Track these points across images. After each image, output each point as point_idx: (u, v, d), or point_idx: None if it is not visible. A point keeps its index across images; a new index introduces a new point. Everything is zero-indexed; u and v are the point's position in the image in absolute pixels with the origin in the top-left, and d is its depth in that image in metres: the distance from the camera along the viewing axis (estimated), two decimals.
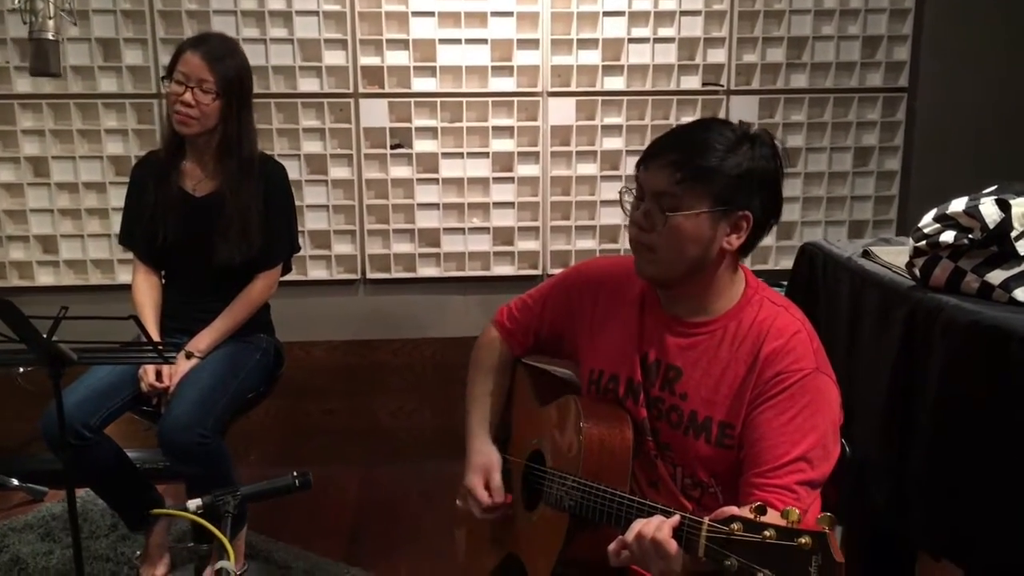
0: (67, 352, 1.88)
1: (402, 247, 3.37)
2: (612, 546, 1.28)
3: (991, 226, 1.58)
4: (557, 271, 3.35)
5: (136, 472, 2.44)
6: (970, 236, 1.61)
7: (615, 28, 3.26)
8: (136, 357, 2.17)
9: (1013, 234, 1.58)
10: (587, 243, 3.43)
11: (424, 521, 3.11)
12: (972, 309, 1.56)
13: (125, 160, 3.21)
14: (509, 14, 3.22)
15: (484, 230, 3.38)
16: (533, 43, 3.26)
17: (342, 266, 3.37)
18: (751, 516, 1.08)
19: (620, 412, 1.54)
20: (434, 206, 3.34)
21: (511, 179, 3.35)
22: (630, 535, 1.23)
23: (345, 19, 3.18)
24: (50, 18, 2.09)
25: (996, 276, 1.60)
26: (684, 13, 3.28)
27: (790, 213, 3.46)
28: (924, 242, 1.67)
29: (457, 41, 3.23)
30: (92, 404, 2.25)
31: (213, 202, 2.42)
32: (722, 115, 3.36)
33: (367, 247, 3.35)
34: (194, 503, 1.42)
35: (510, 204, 3.37)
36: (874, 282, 1.85)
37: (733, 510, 1.15)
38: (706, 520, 1.15)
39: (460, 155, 3.31)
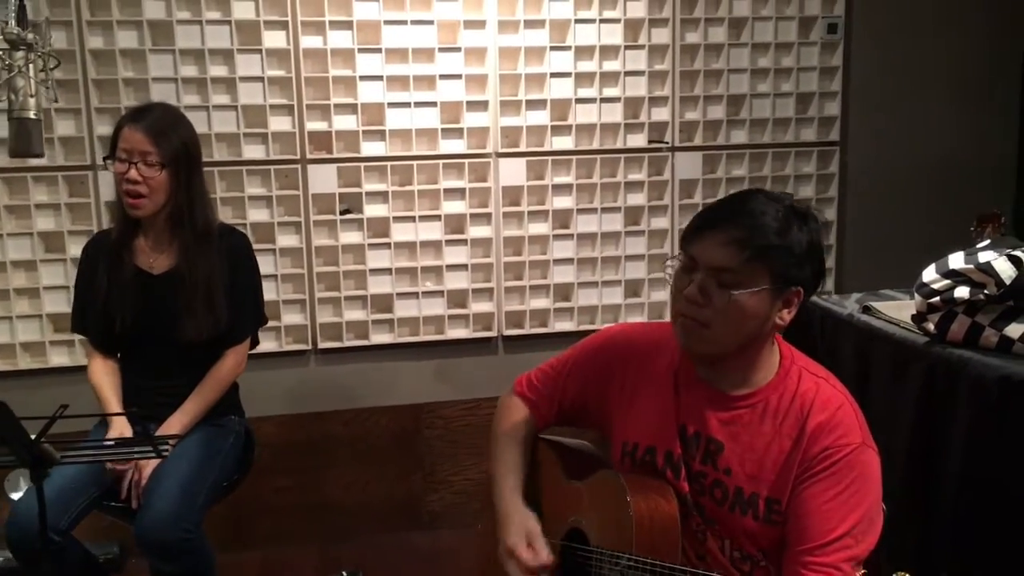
0: (52, 452, 1.77)
1: (354, 314, 3.32)
2: None
3: (1007, 282, 1.68)
4: (512, 332, 3.41)
5: (104, 573, 2.29)
6: (985, 292, 1.70)
7: (562, 89, 3.34)
8: (126, 453, 2.04)
9: None
10: (541, 302, 3.45)
11: None
12: (999, 364, 1.64)
13: (57, 236, 3.08)
14: (458, 76, 3.25)
15: (438, 293, 3.37)
16: (482, 105, 3.29)
17: (291, 336, 3.29)
18: None
19: (662, 484, 1.56)
20: (386, 271, 3.31)
21: (463, 241, 3.35)
22: None
23: (291, 84, 3.15)
24: (31, 96, 1.99)
25: (1014, 330, 1.69)
26: (628, 73, 3.38)
27: None
28: (937, 298, 1.75)
29: (406, 104, 3.23)
30: (60, 505, 2.13)
31: (172, 278, 2.35)
32: (667, 172, 3.46)
33: (318, 316, 3.29)
34: None
35: (463, 266, 3.37)
36: (883, 337, 1.93)
37: None
38: None
39: (412, 218, 3.30)
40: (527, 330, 3.46)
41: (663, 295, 3.55)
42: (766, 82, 3.50)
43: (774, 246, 1.45)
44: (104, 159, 2.35)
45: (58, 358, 3.13)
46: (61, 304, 3.10)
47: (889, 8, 3.56)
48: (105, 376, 2.39)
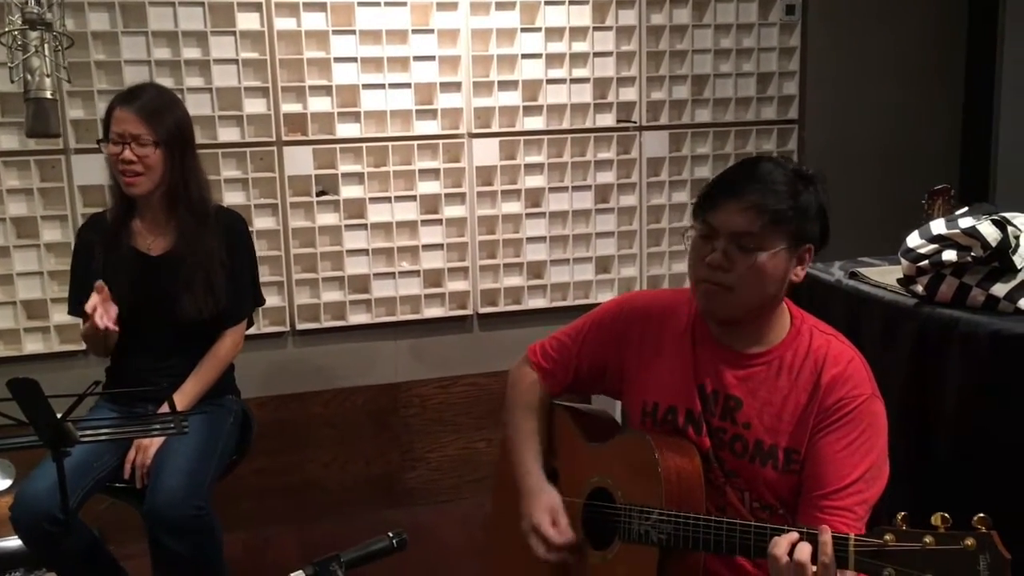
0: (73, 431, 1.79)
1: (331, 295, 3.36)
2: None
3: (993, 244, 1.81)
4: (487, 310, 3.48)
5: (111, 556, 2.31)
6: (972, 254, 1.84)
7: (533, 70, 3.41)
8: (144, 431, 2.06)
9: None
10: (514, 280, 3.54)
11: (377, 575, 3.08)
12: (988, 320, 1.78)
13: (29, 221, 3.06)
14: (431, 58, 3.31)
15: (414, 273, 3.43)
16: (455, 86, 3.35)
17: (269, 318, 3.32)
18: (902, 525, 1.21)
19: (686, 442, 1.65)
20: (363, 252, 3.36)
21: (438, 221, 3.42)
22: (779, 559, 1.32)
23: (265, 67, 3.17)
24: (47, 76, 1.98)
25: (999, 289, 1.84)
26: (597, 55, 3.47)
27: None
28: (926, 261, 1.89)
29: (380, 86, 3.28)
30: (67, 486, 2.12)
31: (171, 259, 2.37)
32: (635, 151, 3.57)
33: (295, 297, 3.32)
34: (297, 574, 1.40)
35: (439, 246, 3.44)
36: (872, 301, 2.06)
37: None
38: (852, 535, 1.26)
39: (387, 199, 3.35)
40: (501, 308, 3.54)
41: (632, 271, 3.66)
42: (728, 62, 3.63)
43: (790, 208, 1.55)
44: (97, 142, 2.35)
45: (32, 345, 3.11)
46: (34, 291, 3.08)
47: None
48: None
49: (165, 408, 2.28)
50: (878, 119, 3.83)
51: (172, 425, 1.88)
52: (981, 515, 1.19)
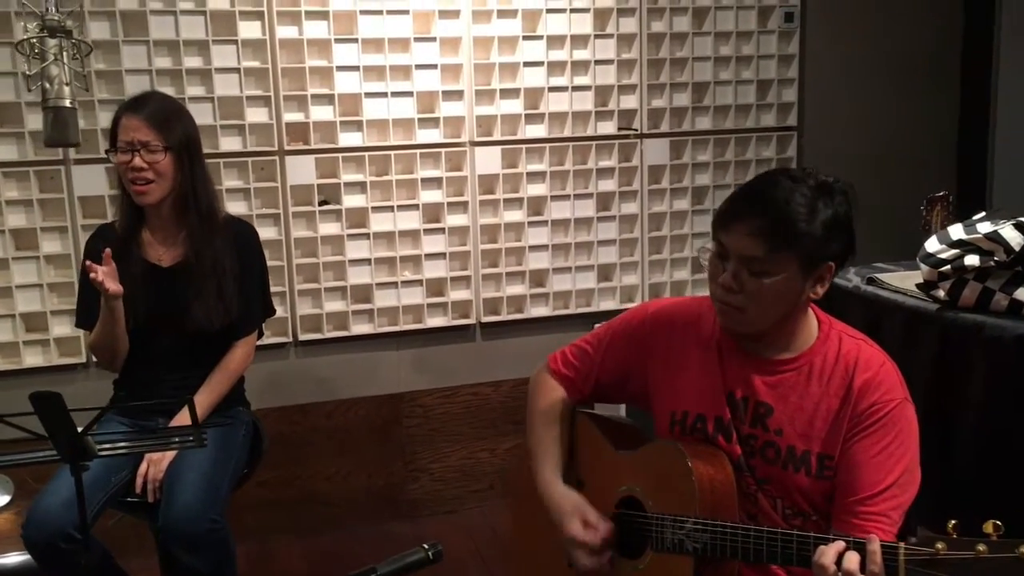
0: (92, 446, 1.76)
1: (334, 305, 3.35)
2: None
3: (1016, 248, 1.82)
4: (489, 319, 3.47)
5: (124, 573, 2.28)
6: (995, 259, 1.85)
7: (534, 78, 3.41)
8: (164, 444, 2.03)
9: None
10: (517, 288, 3.54)
11: None
12: (1014, 325, 1.79)
13: (29, 233, 3.02)
14: (433, 67, 3.30)
15: (416, 282, 3.42)
16: (457, 94, 3.35)
17: (271, 329, 3.29)
18: (953, 533, 1.20)
19: (716, 450, 1.65)
20: (365, 261, 3.35)
21: (441, 230, 3.41)
22: (827, 569, 1.31)
23: (267, 75, 3.15)
24: (66, 84, 1.95)
25: (1023, 293, 1.84)
26: (598, 62, 3.48)
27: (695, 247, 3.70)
28: (948, 266, 1.89)
29: (383, 94, 3.27)
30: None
31: (183, 269, 2.35)
32: (636, 158, 3.57)
33: (298, 308, 3.29)
34: None
35: (441, 255, 3.43)
36: (893, 306, 2.06)
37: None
38: (902, 544, 1.26)
39: (390, 208, 3.34)
40: (504, 316, 3.54)
41: (634, 279, 3.67)
42: (728, 70, 3.65)
43: (799, 234, 1.51)
44: (105, 152, 2.32)
45: (32, 358, 3.07)
46: (34, 303, 3.05)
47: None
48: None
49: (179, 420, 2.27)
50: (876, 125, 3.86)
51: (191, 438, 1.85)
52: None
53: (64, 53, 1.98)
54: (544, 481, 1.82)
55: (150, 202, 2.28)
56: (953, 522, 1.24)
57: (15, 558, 3.09)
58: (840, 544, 1.36)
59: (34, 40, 1.96)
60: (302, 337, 3.33)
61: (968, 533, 1.24)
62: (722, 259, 1.59)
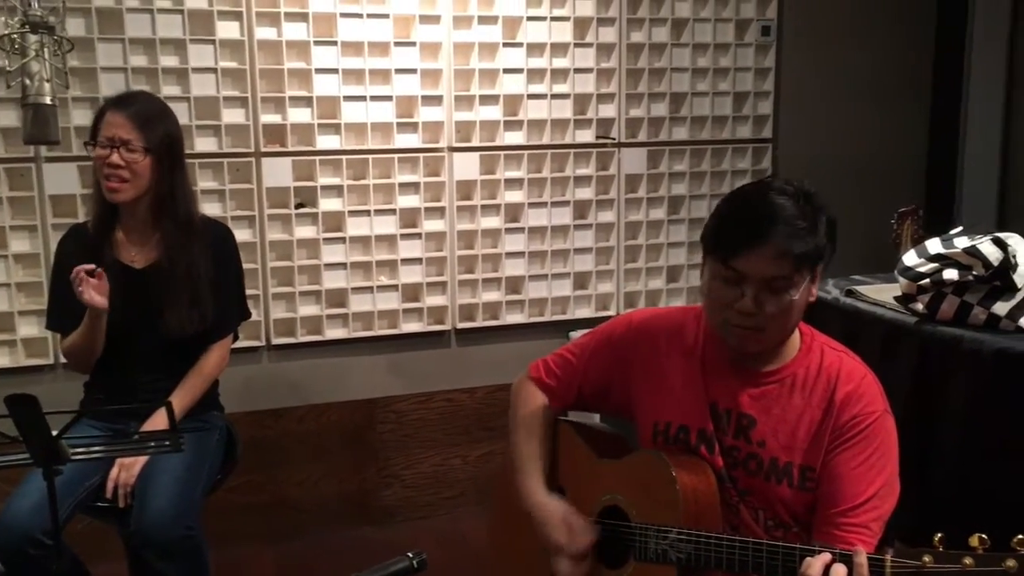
0: (66, 449, 1.73)
1: (308, 309, 3.32)
2: None
3: (995, 263, 1.85)
4: (464, 325, 3.46)
5: None
6: (973, 273, 1.88)
7: (514, 85, 3.41)
8: (139, 449, 2.00)
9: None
10: (493, 295, 3.53)
11: None
12: (992, 339, 1.82)
13: None
14: (413, 71, 3.29)
15: (392, 288, 3.40)
16: (436, 99, 3.34)
17: (244, 332, 3.22)
18: (939, 546, 1.21)
19: (700, 461, 1.66)
20: (341, 266, 3.33)
21: (418, 235, 3.40)
22: None
23: (245, 76, 3.12)
24: (47, 81, 1.91)
25: (1001, 307, 1.88)
26: (577, 71, 3.49)
27: (677, 257, 3.73)
28: (927, 280, 1.92)
29: (361, 98, 3.25)
30: (48, 507, 2.04)
31: (156, 272, 2.32)
32: (613, 167, 3.59)
33: (271, 311, 3.26)
34: None
35: (417, 260, 3.41)
36: (872, 318, 2.08)
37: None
38: (888, 556, 1.27)
39: (366, 213, 3.32)
40: (479, 323, 3.53)
41: (610, 287, 3.68)
42: (705, 81, 3.67)
43: (818, 247, 1.56)
44: (85, 144, 2.28)
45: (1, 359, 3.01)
46: (1, 303, 2.99)
47: (816, 12, 3.80)
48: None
49: (153, 424, 2.23)
50: (849, 139, 3.91)
51: (168, 442, 1.82)
52: (1021, 536, 1.21)
53: (45, 49, 1.95)
54: (528, 489, 1.81)
55: (121, 200, 2.25)
56: (939, 535, 1.25)
57: None
58: (827, 556, 1.37)
59: (15, 35, 1.92)
60: (275, 341, 3.30)
61: (953, 546, 1.25)
62: (732, 284, 1.57)
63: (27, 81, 1.95)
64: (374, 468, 3.52)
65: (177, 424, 2.20)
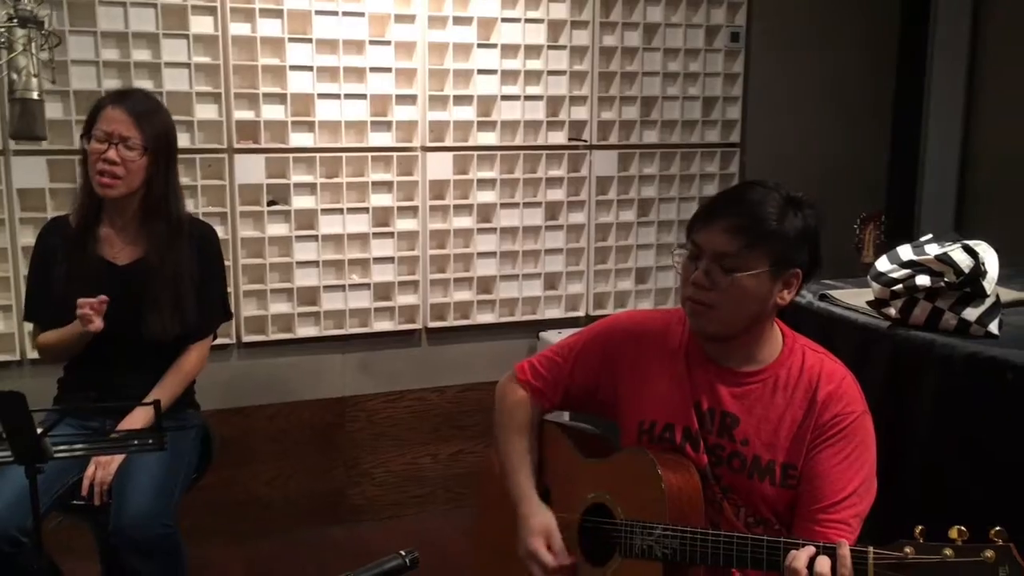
0: (49, 447, 1.72)
1: (279, 307, 3.31)
2: None
3: (966, 270, 1.92)
4: (436, 324, 3.47)
5: None
6: (945, 280, 1.94)
7: (488, 86, 3.43)
8: (122, 447, 1.98)
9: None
10: (464, 295, 3.55)
11: None
12: (963, 343, 1.88)
13: None
14: (387, 70, 3.30)
15: (364, 286, 3.40)
16: (411, 99, 3.35)
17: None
18: (920, 539, 1.26)
19: (684, 459, 1.70)
20: (313, 263, 3.32)
21: (390, 234, 3.40)
22: (799, 573, 1.36)
23: (218, 72, 3.11)
24: (34, 76, 1.89)
25: (971, 313, 1.95)
26: (551, 73, 3.52)
27: (646, 259, 3.78)
28: (900, 285, 1.98)
29: (335, 96, 3.25)
30: (25, 505, 2.02)
31: (139, 270, 2.31)
32: (585, 169, 3.63)
33: (242, 309, 3.25)
34: None
35: (390, 259, 3.42)
36: (845, 323, 2.14)
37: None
38: (871, 548, 1.31)
39: (339, 211, 3.32)
40: (450, 322, 3.54)
41: (579, 287, 3.71)
42: (675, 85, 3.73)
43: (770, 231, 1.61)
44: (80, 137, 2.26)
45: None
46: None
47: (784, 20, 3.88)
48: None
49: (129, 423, 2.22)
50: (814, 144, 3.99)
51: (151, 441, 1.82)
52: (998, 528, 1.26)
53: (33, 44, 1.93)
54: (518, 492, 1.82)
55: (112, 195, 2.23)
56: (920, 528, 1.30)
57: None
58: (811, 549, 1.41)
59: (2, 29, 1.90)
60: (246, 339, 3.28)
61: (933, 539, 1.30)
62: (695, 260, 1.65)
63: (14, 76, 1.93)
64: (343, 467, 3.52)
65: (154, 422, 2.21)
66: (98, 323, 2.12)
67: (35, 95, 1.99)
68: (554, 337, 3.54)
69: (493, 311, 3.60)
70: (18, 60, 1.92)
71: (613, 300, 3.76)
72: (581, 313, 3.73)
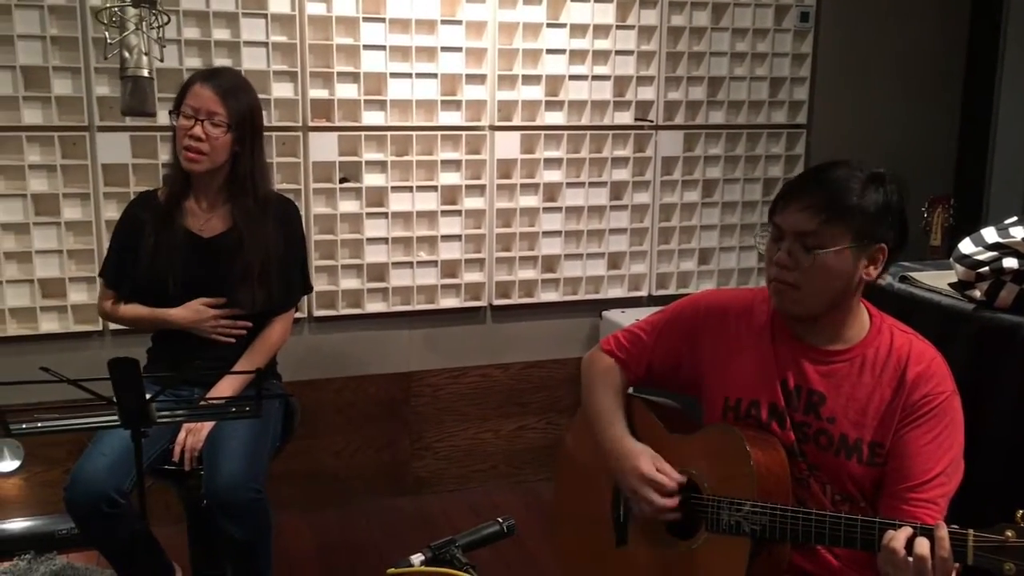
0: (153, 413, 1.80)
1: (349, 283, 3.38)
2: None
3: None
4: (500, 302, 3.53)
5: (156, 540, 2.31)
6: None
7: (556, 65, 3.46)
8: (221, 414, 2.07)
9: None
10: (528, 273, 3.59)
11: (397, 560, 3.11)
12: None
13: (51, 199, 3.03)
14: (458, 49, 3.34)
15: (431, 263, 3.46)
16: (480, 78, 3.39)
17: None
18: (1021, 522, 1.29)
19: (770, 436, 1.73)
20: (382, 240, 3.39)
21: (458, 212, 3.46)
22: (897, 553, 1.39)
23: (295, 51, 3.17)
24: (145, 54, 1.96)
25: None
26: (618, 53, 3.54)
27: (709, 240, 3.79)
28: (986, 268, 1.99)
29: (407, 75, 3.29)
30: (124, 467, 2.14)
31: (224, 243, 2.38)
32: (650, 149, 3.65)
33: (313, 284, 3.30)
34: (417, 558, 1.44)
35: (457, 237, 3.48)
36: (928, 305, 2.16)
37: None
38: (971, 531, 1.34)
39: (408, 189, 3.37)
40: (514, 300, 3.60)
41: (643, 267, 3.74)
42: (743, 66, 3.73)
43: (849, 207, 1.63)
44: (169, 113, 2.34)
45: (48, 324, 3.08)
46: (52, 269, 3.06)
47: (854, 0, 3.83)
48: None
49: (217, 391, 2.30)
50: (882, 126, 3.97)
51: (248, 408, 1.90)
52: None
53: (144, 23, 2.00)
54: (613, 437, 1.85)
55: (197, 170, 2.31)
56: (1021, 512, 1.32)
57: (21, 523, 3.12)
58: (908, 529, 1.44)
59: (115, 8, 1.97)
60: (317, 313, 3.36)
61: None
62: (777, 241, 1.69)
63: (126, 54, 2.00)
64: (408, 440, 3.60)
65: (242, 392, 2.30)
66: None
67: (145, 73, 2.07)
68: (617, 316, 3.58)
69: (557, 290, 3.64)
70: (130, 39, 1.99)
71: (676, 280, 3.79)
72: (644, 293, 3.77)
